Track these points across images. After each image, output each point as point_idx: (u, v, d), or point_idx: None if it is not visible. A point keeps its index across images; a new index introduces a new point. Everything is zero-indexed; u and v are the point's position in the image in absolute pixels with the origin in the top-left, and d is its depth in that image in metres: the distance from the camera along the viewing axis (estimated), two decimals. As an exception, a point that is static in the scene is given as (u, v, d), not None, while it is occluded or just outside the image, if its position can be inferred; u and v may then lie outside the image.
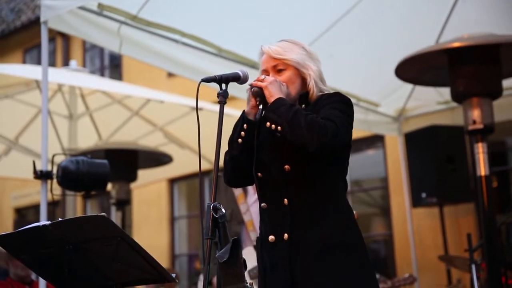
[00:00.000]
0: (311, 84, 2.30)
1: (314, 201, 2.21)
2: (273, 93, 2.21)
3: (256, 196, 3.47)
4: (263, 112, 2.28)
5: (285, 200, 2.23)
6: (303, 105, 2.31)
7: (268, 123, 2.22)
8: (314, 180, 2.22)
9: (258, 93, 2.25)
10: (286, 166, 2.23)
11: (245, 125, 2.27)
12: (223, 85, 2.23)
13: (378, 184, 8.09)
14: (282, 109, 2.17)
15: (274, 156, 2.26)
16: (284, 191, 2.24)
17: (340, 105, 2.22)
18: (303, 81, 2.33)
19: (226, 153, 2.34)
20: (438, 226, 6.21)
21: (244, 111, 2.30)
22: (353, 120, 2.26)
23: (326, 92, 2.32)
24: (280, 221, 2.23)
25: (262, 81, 2.24)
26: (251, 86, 2.26)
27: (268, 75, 2.31)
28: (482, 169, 3.96)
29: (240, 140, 2.27)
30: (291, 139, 2.17)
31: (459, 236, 6.33)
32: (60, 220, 2.23)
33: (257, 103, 2.27)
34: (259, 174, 2.30)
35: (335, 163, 2.26)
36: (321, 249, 2.17)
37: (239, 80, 2.30)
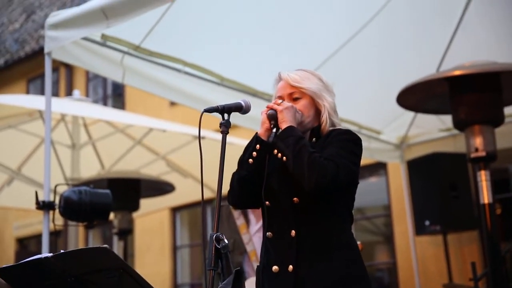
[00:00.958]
0: (325, 116, 2.31)
1: (321, 234, 2.21)
2: (286, 119, 2.23)
3: (258, 225, 3.47)
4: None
5: (293, 231, 2.22)
6: (314, 139, 2.32)
7: (275, 151, 2.24)
8: (322, 213, 2.22)
9: (273, 116, 2.26)
10: (295, 199, 2.23)
11: (258, 146, 2.27)
12: (226, 115, 2.24)
13: (381, 211, 8.06)
14: (290, 140, 2.18)
15: (284, 187, 2.25)
16: (292, 223, 2.23)
17: (347, 144, 2.23)
18: (317, 111, 2.34)
19: (234, 174, 2.33)
20: (442, 254, 6.16)
21: (257, 133, 2.31)
22: (360, 159, 2.27)
23: (337, 127, 2.33)
24: (285, 252, 2.22)
25: (279, 105, 2.26)
26: (267, 108, 2.28)
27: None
28: (485, 197, 3.94)
29: (251, 160, 2.27)
30: (292, 173, 2.19)
31: (463, 264, 6.28)
32: (62, 252, 2.22)
33: (271, 126, 2.27)
34: (267, 202, 2.28)
35: (343, 198, 2.27)
36: (327, 283, 2.16)
37: (242, 110, 2.30)
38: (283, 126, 2.23)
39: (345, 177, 2.16)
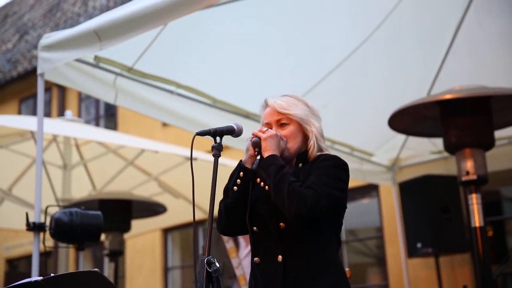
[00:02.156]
0: (312, 141, 2.32)
1: (307, 258, 2.21)
2: (269, 147, 2.24)
3: (247, 249, 3.46)
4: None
5: (279, 256, 2.22)
6: (300, 164, 2.33)
7: (258, 179, 2.25)
8: (308, 238, 2.22)
9: (257, 144, 2.27)
10: (281, 224, 2.22)
11: (241, 173, 2.28)
12: (218, 138, 2.25)
13: (373, 233, 8.05)
14: (271, 169, 2.20)
15: (271, 212, 2.25)
16: (279, 248, 2.23)
17: (333, 170, 2.23)
18: (305, 137, 2.35)
19: (221, 202, 2.34)
20: (434, 277, 6.15)
21: (241, 160, 2.31)
22: (346, 184, 2.27)
23: (325, 152, 2.34)
24: (272, 277, 2.22)
25: (264, 132, 2.27)
26: (253, 135, 2.29)
27: (271, 129, 2.34)
28: (477, 220, 3.95)
29: (235, 188, 2.27)
30: (273, 202, 2.20)
31: (455, 287, 6.27)
32: (52, 276, 2.20)
33: (255, 153, 2.29)
34: (255, 228, 2.29)
35: (330, 222, 2.26)
36: None
37: (233, 133, 2.31)
38: (266, 154, 2.24)
39: (326, 204, 2.15)
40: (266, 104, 2.40)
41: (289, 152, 2.32)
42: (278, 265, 2.21)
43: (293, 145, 2.33)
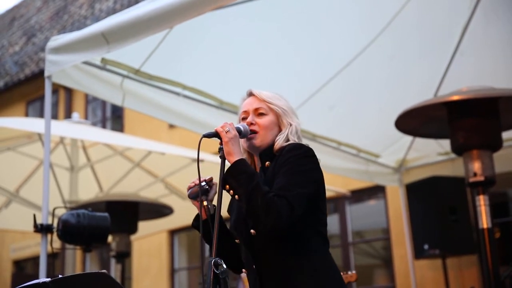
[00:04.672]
0: (283, 134, 2.25)
1: (282, 264, 2.14)
2: (232, 151, 2.15)
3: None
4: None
5: (253, 265, 2.19)
6: (267, 162, 2.26)
7: (227, 186, 2.16)
8: (282, 243, 2.14)
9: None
10: (252, 231, 2.18)
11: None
12: (224, 140, 2.24)
13: (380, 235, 8.03)
14: (242, 178, 2.11)
15: (240, 220, 2.23)
16: (253, 255, 2.19)
17: (298, 163, 2.13)
18: (279, 131, 2.30)
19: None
20: (441, 278, 6.13)
21: None
22: (316, 171, 2.18)
23: (289, 142, 2.24)
24: (255, 287, 2.20)
25: (226, 133, 2.18)
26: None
27: (248, 116, 2.30)
28: (484, 221, 3.94)
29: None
30: (246, 213, 2.13)
31: (463, 288, 6.25)
32: (61, 277, 2.21)
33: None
34: (236, 240, 2.29)
35: (308, 220, 2.15)
36: None
37: (240, 135, 2.29)
38: (231, 159, 2.16)
39: (300, 209, 2.07)
40: (248, 94, 2.38)
41: (262, 143, 2.26)
42: (255, 274, 2.18)
43: (268, 136, 2.27)
